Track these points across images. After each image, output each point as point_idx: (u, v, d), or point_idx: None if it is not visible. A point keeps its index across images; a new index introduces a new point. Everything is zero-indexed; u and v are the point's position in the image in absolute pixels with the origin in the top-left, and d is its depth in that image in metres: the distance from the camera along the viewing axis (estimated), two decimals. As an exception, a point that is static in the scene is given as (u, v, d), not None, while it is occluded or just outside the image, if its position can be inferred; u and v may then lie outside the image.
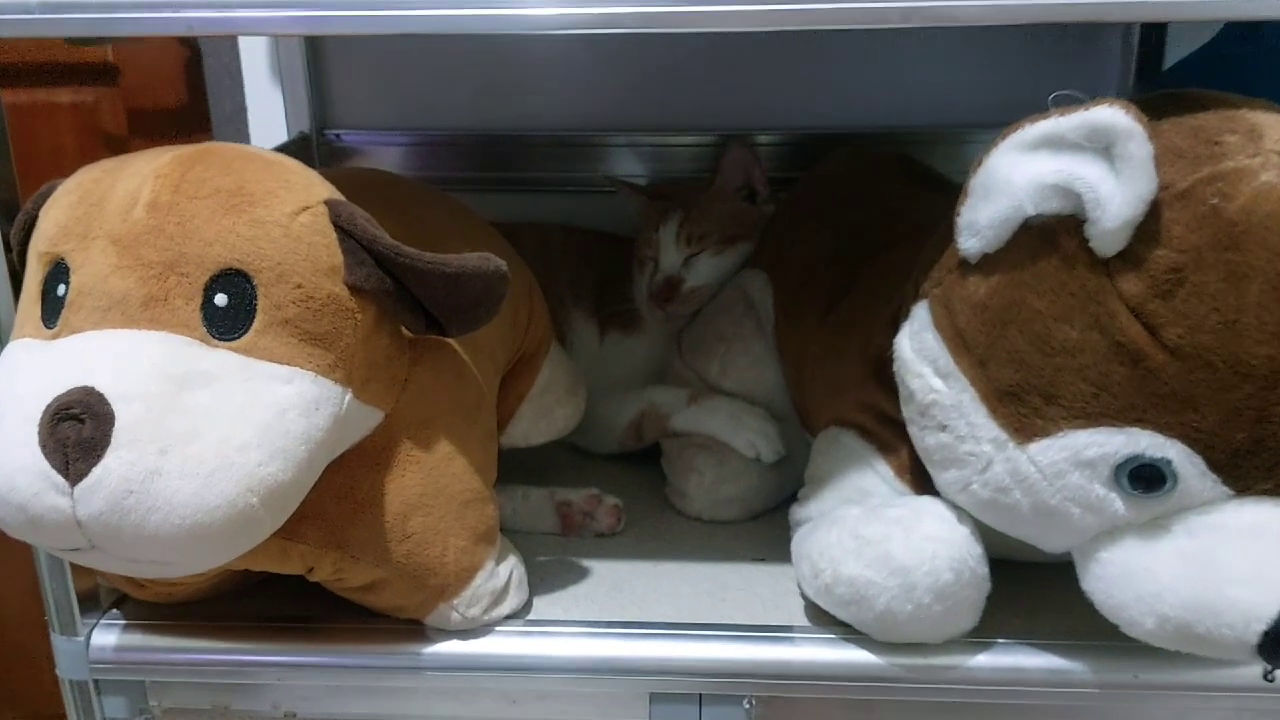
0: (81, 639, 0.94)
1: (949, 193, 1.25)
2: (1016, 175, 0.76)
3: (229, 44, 1.49)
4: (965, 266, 0.82)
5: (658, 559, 1.04)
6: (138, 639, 0.95)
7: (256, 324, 0.75)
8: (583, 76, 1.47)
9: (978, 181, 0.79)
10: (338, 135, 1.52)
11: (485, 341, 0.99)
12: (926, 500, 0.86)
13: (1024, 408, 0.80)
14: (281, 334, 0.76)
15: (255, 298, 0.75)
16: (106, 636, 0.95)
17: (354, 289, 0.78)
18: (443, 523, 0.87)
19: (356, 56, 1.49)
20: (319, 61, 1.50)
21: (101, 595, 0.98)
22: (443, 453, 0.90)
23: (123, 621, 0.96)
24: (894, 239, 1.11)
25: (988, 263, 0.81)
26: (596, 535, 1.09)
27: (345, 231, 0.80)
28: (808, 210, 1.29)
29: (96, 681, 0.96)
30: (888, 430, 0.98)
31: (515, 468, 1.10)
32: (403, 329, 0.84)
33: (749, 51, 1.44)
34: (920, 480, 0.90)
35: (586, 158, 1.49)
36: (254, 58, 1.51)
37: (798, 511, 1.04)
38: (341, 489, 0.82)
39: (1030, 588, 0.96)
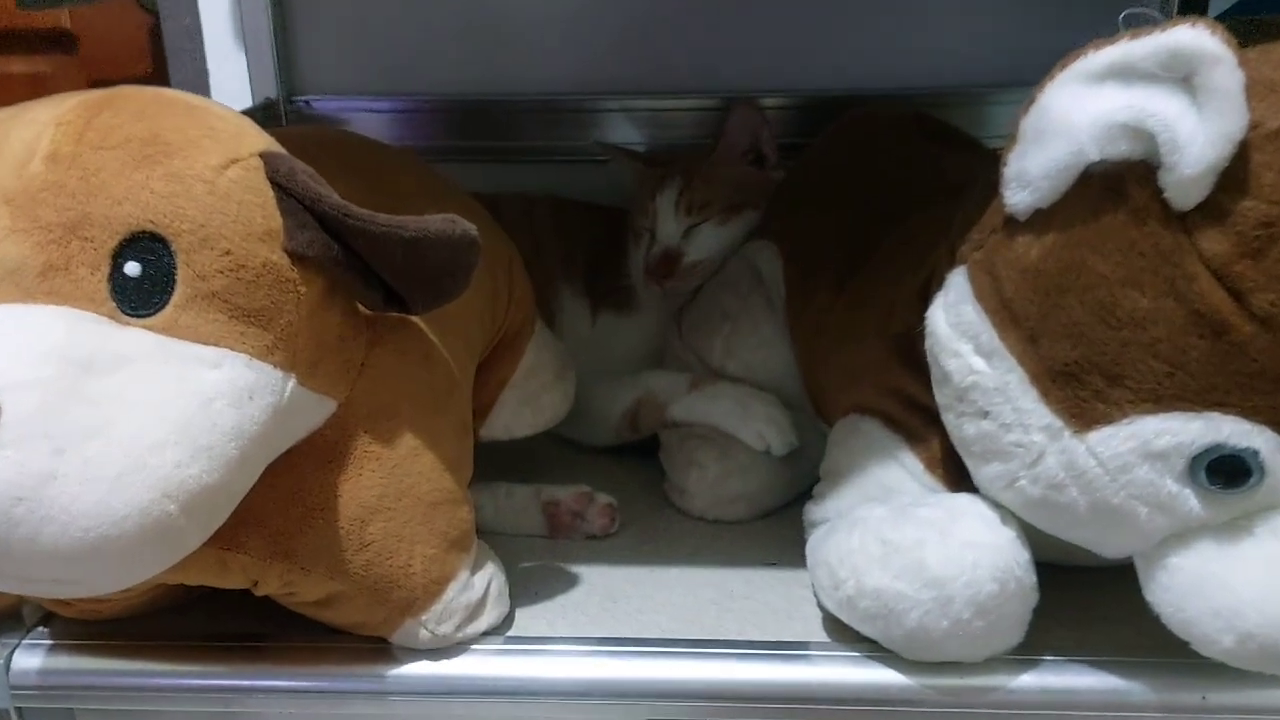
0: (0, 661, 0.81)
1: (978, 152, 1.15)
2: (1077, 114, 0.64)
3: (188, 2, 1.39)
4: (1013, 225, 0.70)
5: (656, 564, 0.94)
6: (65, 661, 0.83)
7: (176, 297, 0.64)
8: (573, 35, 1.38)
9: (1029, 123, 0.67)
10: (307, 102, 1.43)
11: (458, 320, 0.88)
12: (964, 499, 0.77)
13: (1083, 390, 0.68)
14: (207, 309, 0.65)
15: (174, 266, 0.63)
16: (30, 659, 0.83)
17: (296, 257, 0.67)
18: (408, 528, 0.76)
19: (326, 15, 1.40)
20: (286, 21, 1.41)
21: (25, 613, 0.86)
22: (407, 447, 0.78)
23: (49, 642, 0.84)
24: (917, 204, 1.00)
25: (1040, 220, 0.69)
26: (587, 538, 1.00)
27: (283, 189, 0.68)
28: (820, 176, 1.18)
29: (19, 709, 0.84)
30: (916, 417, 0.87)
31: (496, 462, 1.01)
32: (358, 305, 0.76)
33: (754, 6, 1.35)
34: (955, 475, 0.80)
35: (578, 123, 1.39)
36: (215, 17, 1.42)
37: (813, 510, 0.93)
38: (287, 491, 0.73)
39: (1081, 596, 0.86)
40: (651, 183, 1.22)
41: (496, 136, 1.42)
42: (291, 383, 0.70)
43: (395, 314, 0.78)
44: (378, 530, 0.77)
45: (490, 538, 0.91)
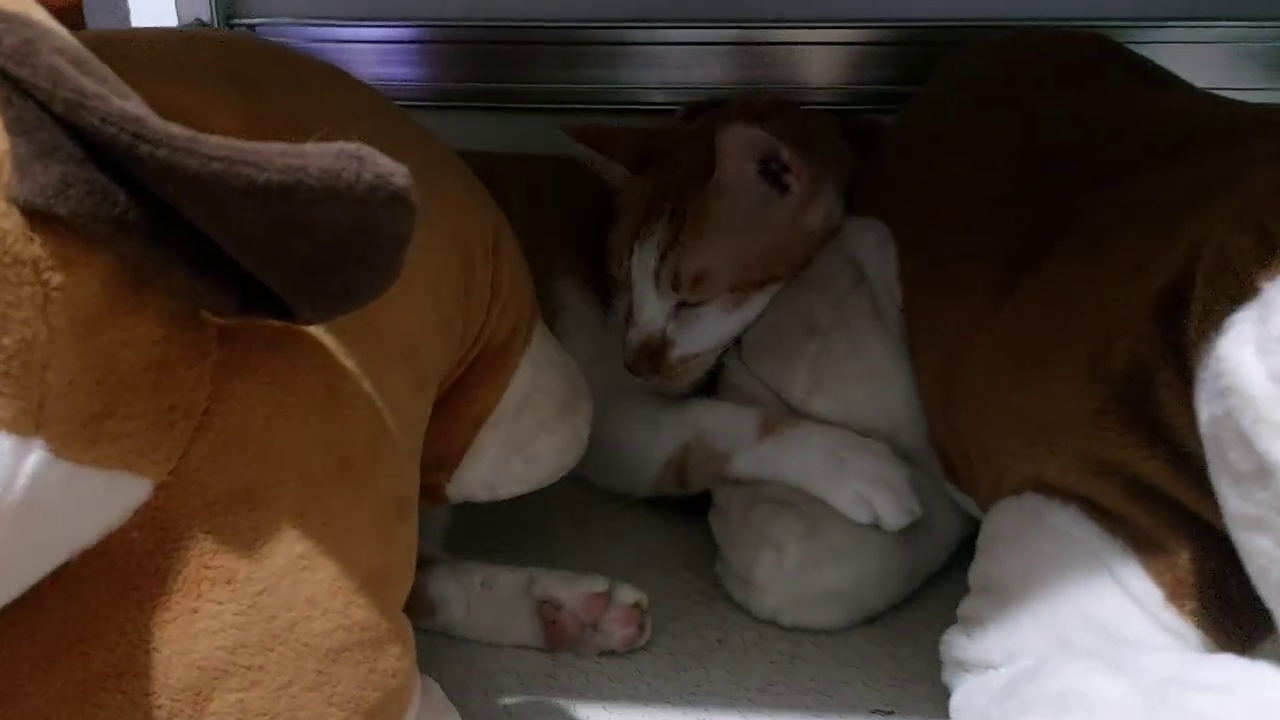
0: None
1: (1198, 94, 0.79)
2: None
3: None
4: None
5: (705, 704, 0.69)
6: None
7: None
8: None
9: None
10: (251, 28, 1.19)
11: (396, 328, 0.57)
12: (1272, 673, 0.49)
13: None
14: None
15: None
16: None
17: (37, 216, 0.36)
18: (285, 699, 0.47)
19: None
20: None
21: None
22: (286, 558, 0.47)
23: None
24: (1126, 165, 0.67)
25: None
26: (603, 654, 0.73)
27: (9, 78, 0.33)
28: (948, 126, 0.84)
29: None
30: (1150, 513, 0.56)
31: (468, 521, 0.82)
32: (192, 309, 0.45)
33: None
34: (1221, 614, 0.54)
35: (592, 61, 1.17)
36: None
37: (965, 645, 0.62)
38: (57, 644, 0.44)
39: None
40: (631, 210, 0.91)
41: (488, 77, 1.19)
42: (34, 456, 0.37)
43: (271, 322, 0.45)
44: (229, 707, 0.45)
45: (455, 652, 0.72)
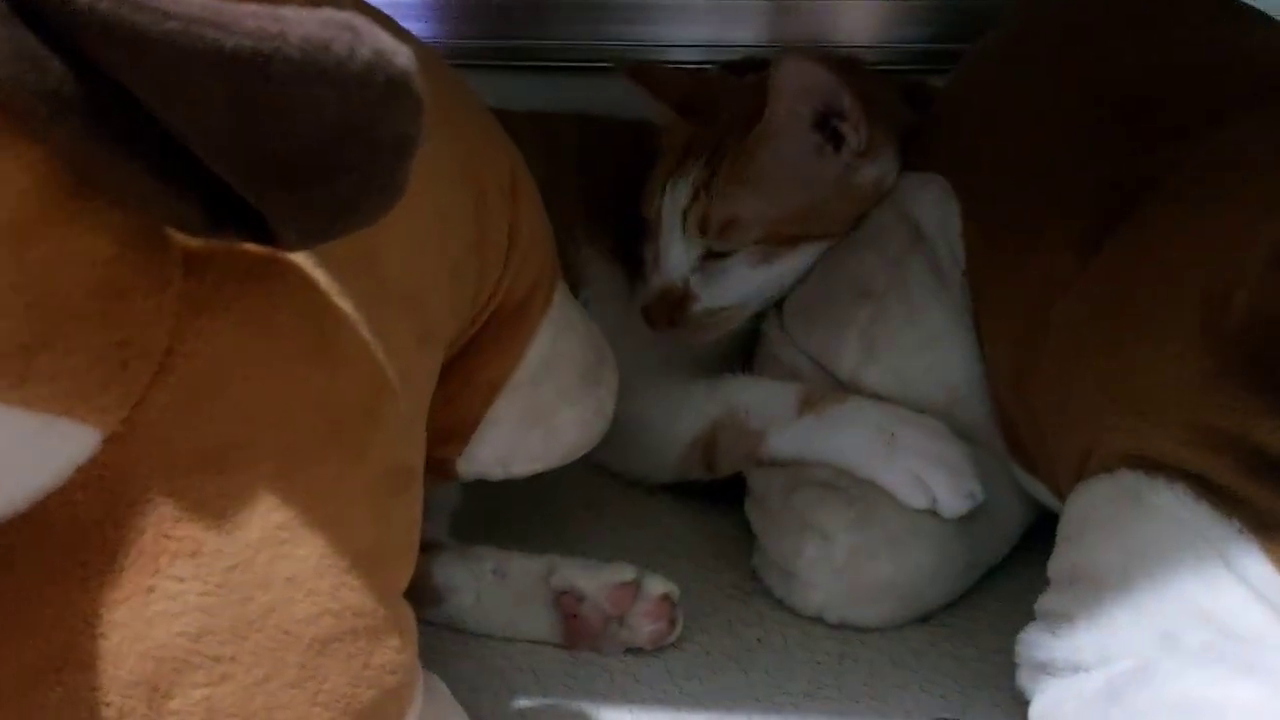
0: None
1: None
2: None
3: None
4: None
5: (747, 710, 0.62)
6: None
7: None
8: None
9: None
10: None
11: (402, 274, 0.49)
12: None
13: None
14: None
15: None
16: None
17: None
18: (261, 697, 0.39)
19: None
20: None
21: None
22: (263, 529, 0.40)
23: None
24: (1231, 104, 0.60)
25: None
26: (629, 652, 0.66)
27: None
28: (1017, 74, 0.76)
29: None
30: (1273, 491, 0.48)
31: (479, 506, 0.76)
32: (152, 225, 0.38)
33: None
34: None
35: (616, 16, 1.09)
36: None
37: (1049, 644, 0.54)
38: None
39: None
40: (672, 151, 0.84)
41: (511, 34, 1.12)
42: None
43: (248, 247, 0.38)
44: (190, 707, 0.38)
45: (463, 647, 0.65)
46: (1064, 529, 0.57)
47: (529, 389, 0.65)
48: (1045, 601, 0.56)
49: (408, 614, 0.46)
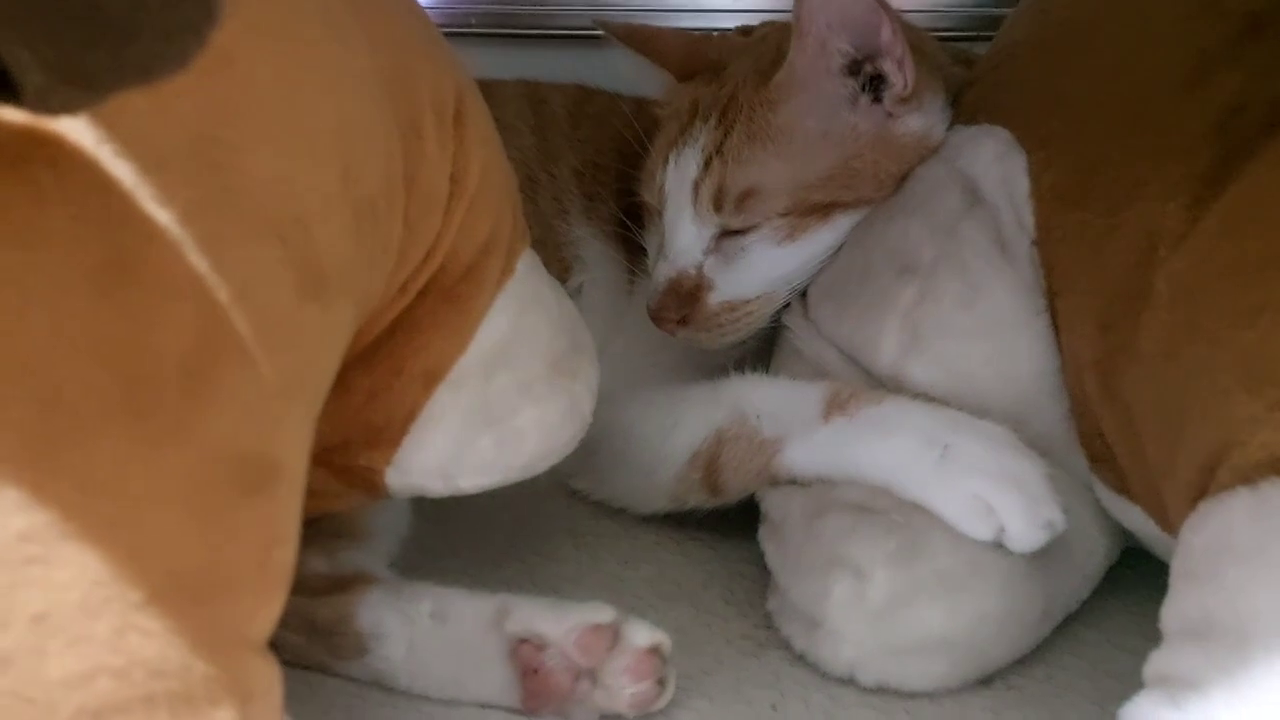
0: None
1: None
2: None
3: None
4: None
5: None
6: None
7: None
8: None
9: None
10: None
11: (261, 183, 0.36)
12: None
13: None
14: None
15: None
16: None
17: None
18: None
19: None
20: None
21: None
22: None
23: None
24: None
25: None
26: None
27: None
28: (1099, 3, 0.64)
29: None
30: None
31: (436, 541, 0.66)
32: None
33: None
34: None
35: None
36: None
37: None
38: None
39: None
40: (674, 120, 0.74)
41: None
42: None
43: None
44: None
45: (392, 712, 0.54)
46: (1184, 564, 0.43)
47: (479, 380, 0.53)
48: (1162, 662, 0.42)
49: (260, 671, 0.33)
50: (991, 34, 0.78)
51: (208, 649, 0.30)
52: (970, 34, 0.89)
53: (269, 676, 0.33)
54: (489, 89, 0.81)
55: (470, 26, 1.04)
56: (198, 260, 0.31)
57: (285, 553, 0.35)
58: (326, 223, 0.39)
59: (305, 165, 0.37)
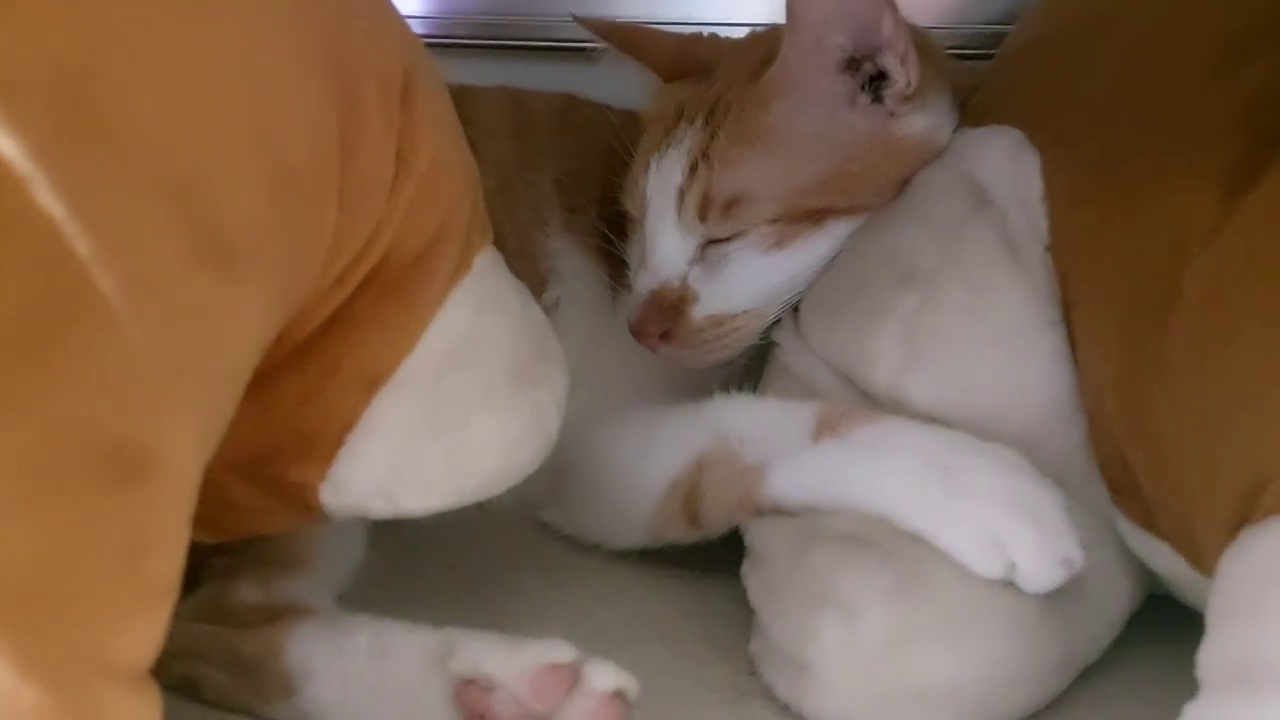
0: None
1: None
2: None
3: None
4: None
5: None
6: None
7: None
8: None
9: None
10: None
11: (152, 131, 0.31)
12: None
13: None
14: None
15: None
16: None
17: None
18: None
19: None
20: None
21: None
22: None
23: None
24: None
25: None
26: None
27: None
28: None
29: None
30: None
31: (391, 576, 0.62)
32: None
33: None
34: None
35: None
36: None
37: None
38: None
39: None
40: (658, 123, 0.71)
41: (500, 9, 1.03)
42: None
43: None
44: None
45: None
46: (1224, 600, 0.38)
47: (428, 385, 0.48)
48: (1201, 713, 0.36)
49: (123, 706, 0.28)
50: (994, 51, 0.75)
51: (40, 671, 0.24)
52: (975, 51, 0.86)
53: (137, 713, 0.28)
54: (468, 93, 0.81)
55: (458, 38, 1.01)
56: (51, 203, 0.26)
57: (162, 564, 0.30)
58: (232, 185, 0.34)
59: (204, 114, 0.33)
